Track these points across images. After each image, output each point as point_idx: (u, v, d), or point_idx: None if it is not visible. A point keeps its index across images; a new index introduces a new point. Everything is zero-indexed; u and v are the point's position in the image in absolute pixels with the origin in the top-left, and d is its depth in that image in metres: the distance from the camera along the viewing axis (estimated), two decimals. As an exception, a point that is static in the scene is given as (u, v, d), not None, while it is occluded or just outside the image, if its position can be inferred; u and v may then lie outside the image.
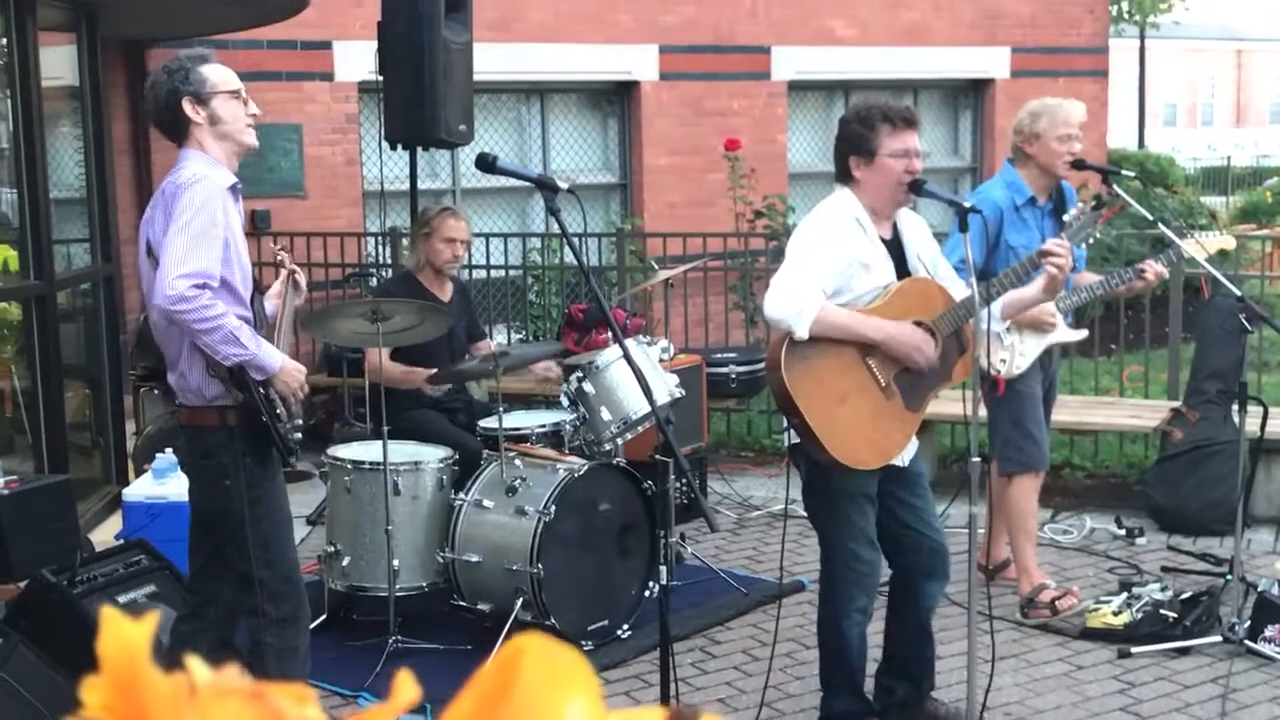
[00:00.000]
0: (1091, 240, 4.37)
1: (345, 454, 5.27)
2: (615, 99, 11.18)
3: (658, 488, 4.43)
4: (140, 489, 6.10)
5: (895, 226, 4.08)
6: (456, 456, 5.31)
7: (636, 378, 3.69)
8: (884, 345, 3.89)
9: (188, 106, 3.64)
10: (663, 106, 11.07)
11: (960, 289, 4.11)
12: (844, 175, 4.00)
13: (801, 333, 3.75)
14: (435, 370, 5.48)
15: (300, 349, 8.80)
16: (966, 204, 4.01)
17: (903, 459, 4.09)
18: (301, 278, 4.10)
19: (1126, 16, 21.15)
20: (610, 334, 5.46)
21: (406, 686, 0.62)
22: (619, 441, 5.48)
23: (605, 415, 5.38)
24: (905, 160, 3.95)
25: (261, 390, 3.62)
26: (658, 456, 3.75)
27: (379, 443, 5.01)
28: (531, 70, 10.47)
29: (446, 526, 5.14)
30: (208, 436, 3.69)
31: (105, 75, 7.40)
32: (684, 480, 5.75)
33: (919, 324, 3.96)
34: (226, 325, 3.50)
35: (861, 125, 3.94)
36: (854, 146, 3.95)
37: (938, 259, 4.19)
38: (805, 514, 4.18)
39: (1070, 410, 7.18)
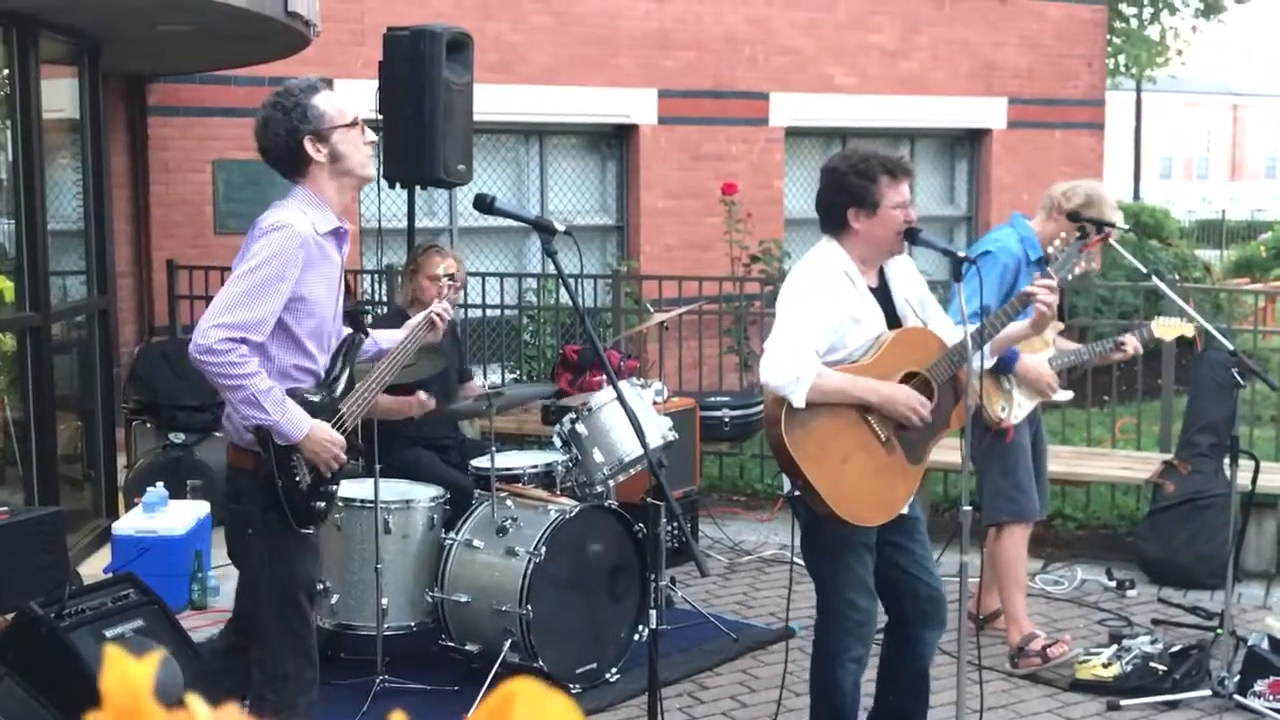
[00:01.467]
0: (1078, 271, 4.37)
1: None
2: (614, 141, 11.25)
3: (649, 531, 4.43)
4: (130, 522, 6.11)
5: (881, 273, 4.09)
6: (448, 496, 5.30)
7: (630, 420, 3.70)
8: (879, 408, 3.88)
9: (309, 146, 3.50)
10: (661, 150, 11.14)
11: (951, 332, 4.12)
12: (837, 226, 3.96)
13: (798, 402, 3.74)
14: (424, 395, 5.43)
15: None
16: (961, 253, 4.03)
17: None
18: (443, 315, 3.99)
19: (1123, 70, 21.30)
20: (604, 376, 5.47)
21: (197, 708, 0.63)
22: (611, 483, 5.47)
23: (598, 457, 5.38)
24: (904, 211, 3.96)
25: (283, 453, 3.47)
26: (649, 499, 3.74)
27: (370, 480, 5.01)
28: (531, 112, 10.53)
29: (436, 566, 5.13)
30: (241, 480, 3.58)
31: (106, 109, 7.44)
32: (675, 524, 5.75)
33: (914, 374, 3.96)
34: (250, 386, 3.35)
35: (862, 178, 3.90)
36: (855, 199, 3.90)
37: (926, 299, 4.17)
38: (802, 561, 4.15)
39: (1062, 461, 7.20)
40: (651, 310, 6.80)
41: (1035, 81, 13.17)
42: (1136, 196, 29.04)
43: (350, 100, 3.68)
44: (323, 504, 3.60)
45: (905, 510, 4.08)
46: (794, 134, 11.98)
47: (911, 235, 4.20)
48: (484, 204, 3.71)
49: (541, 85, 10.48)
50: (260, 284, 3.37)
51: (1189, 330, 5.33)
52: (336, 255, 3.61)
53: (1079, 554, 6.92)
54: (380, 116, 6.95)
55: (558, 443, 5.57)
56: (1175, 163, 48.64)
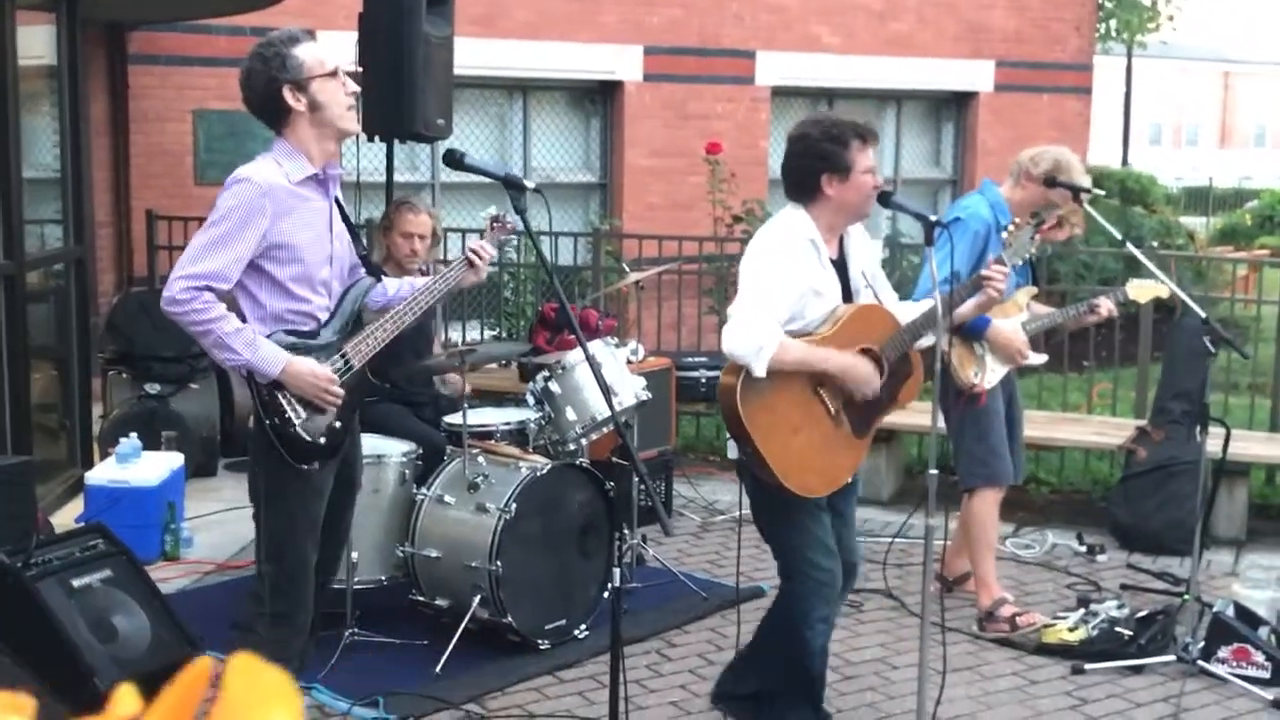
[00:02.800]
0: (1030, 256, 4.36)
1: (308, 445, 5.25)
2: (598, 98, 11.19)
3: (617, 489, 4.43)
4: (103, 473, 6.09)
5: (840, 245, 4.09)
6: (420, 451, 5.30)
7: (597, 381, 3.69)
8: (837, 378, 3.91)
9: (288, 95, 3.56)
10: (645, 107, 11.09)
11: (901, 310, 4.14)
12: (809, 192, 3.95)
13: (759, 371, 3.76)
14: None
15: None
16: (933, 218, 4.03)
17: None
18: (481, 254, 3.94)
19: (1114, 35, 21.22)
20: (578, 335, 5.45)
21: (125, 699, 0.63)
22: (583, 442, 5.47)
23: (570, 415, 5.38)
24: (872, 176, 3.97)
25: (268, 391, 3.55)
26: (615, 459, 3.74)
27: (342, 435, 5.00)
28: (515, 67, 10.46)
29: (407, 521, 5.13)
30: (251, 421, 3.72)
31: (84, 56, 7.37)
32: (642, 483, 5.76)
33: (867, 351, 3.98)
34: (217, 330, 3.47)
35: (834, 143, 3.90)
36: (829, 163, 3.90)
37: (877, 273, 4.20)
38: (757, 528, 4.15)
39: (1037, 426, 7.21)
40: (628, 269, 6.78)
41: (1023, 45, 13.11)
42: (1125, 162, 29.01)
43: (331, 51, 3.70)
44: (324, 439, 3.65)
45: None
46: (780, 94, 11.93)
47: (884, 199, 4.21)
48: (453, 159, 3.70)
49: (525, 40, 10.41)
50: (221, 236, 3.48)
51: (1163, 292, 5.33)
52: (321, 200, 3.67)
53: (1051, 518, 6.94)
54: (360, 69, 6.90)
55: (531, 400, 5.57)
56: (1165, 129, 48.59)
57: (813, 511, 3.99)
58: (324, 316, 3.70)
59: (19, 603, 4.13)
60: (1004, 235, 4.23)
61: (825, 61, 11.96)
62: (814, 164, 3.92)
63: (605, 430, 5.40)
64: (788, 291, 3.85)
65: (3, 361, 6.21)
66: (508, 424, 5.53)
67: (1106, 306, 5.29)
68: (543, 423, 5.46)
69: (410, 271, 5.88)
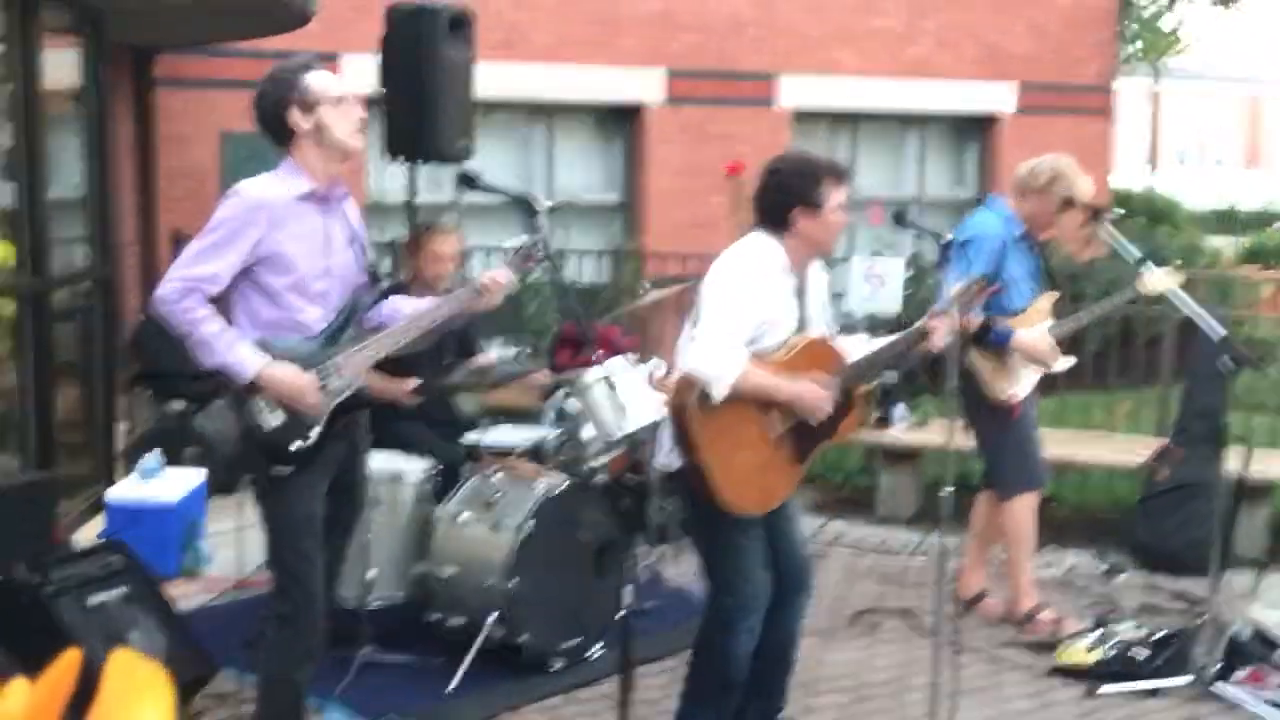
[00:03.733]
0: (973, 311, 4.30)
1: (327, 463, 5.25)
2: (621, 121, 11.20)
3: (632, 507, 4.42)
4: (124, 490, 6.11)
5: (800, 276, 4.12)
6: (438, 468, 5.29)
7: (610, 399, 3.67)
8: (791, 405, 3.96)
9: (296, 115, 3.71)
10: (667, 130, 11.09)
11: (850, 349, 4.18)
12: (779, 224, 3.99)
13: (719, 395, 3.82)
14: (418, 382, 5.43)
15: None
16: (946, 236, 4.03)
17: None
18: (495, 283, 3.93)
19: (1140, 56, 21.15)
20: (600, 352, 5.45)
21: (15, 692, 0.63)
22: (602, 459, 5.45)
23: (588, 434, 5.34)
24: (843, 214, 4.02)
25: (244, 395, 3.65)
26: (629, 476, 3.74)
27: (360, 453, 4.99)
28: (538, 91, 10.49)
29: (424, 538, 5.12)
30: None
31: (111, 80, 7.42)
32: (659, 501, 5.73)
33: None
34: (200, 330, 3.61)
35: (807, 178, 3.96)
36: (800, 198, 3.95)
37: (827, 310, 4.26)
38: (689, 536, 4.19)
39: (1058, 444, 7.16)
40: (649, 287, 6.78)
41: (1044, 67, 13.06)
42: (1150, 185, 28.87)
43: (342, 80, 3.81)
44: (301, 442, 3.71)
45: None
46: (801, 116, 11.91)
47: (899, 218, 4.25)
48: (467, 180, 3.72)
49: (547, 63, 10.43)
50: (213, 244, 3.65)
51: (1175, 282, 5.34)
52: (318, 217, 3.78)
53: (1071, 537, 6.88)
54: (383, 91, 6.92)
55: (550, 418, 5.56)
56: (1190, 151, 48.37)
57: (748, 529, 4.02)
58: (317, 327, 3.79)
59: (35, 619, 4.13)
60: (952, 291, 4.22)
61: (846, 84, 11.95)
62: (786, 197, 3.98)
63: (624, 448, 5.37)
64: (752, 317, 3.92)
65: (29, 378, 6.24)
66: (526, 441, 5.51)
67: (1146, 286, 5.33)
68: (562, 440, 5.44)
69: (437, 292, 5.89)
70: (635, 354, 6.50)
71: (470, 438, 5.50)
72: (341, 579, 5.05)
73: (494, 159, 10.47)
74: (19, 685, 0.64)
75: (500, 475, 5.18)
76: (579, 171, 11.13)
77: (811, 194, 3.94)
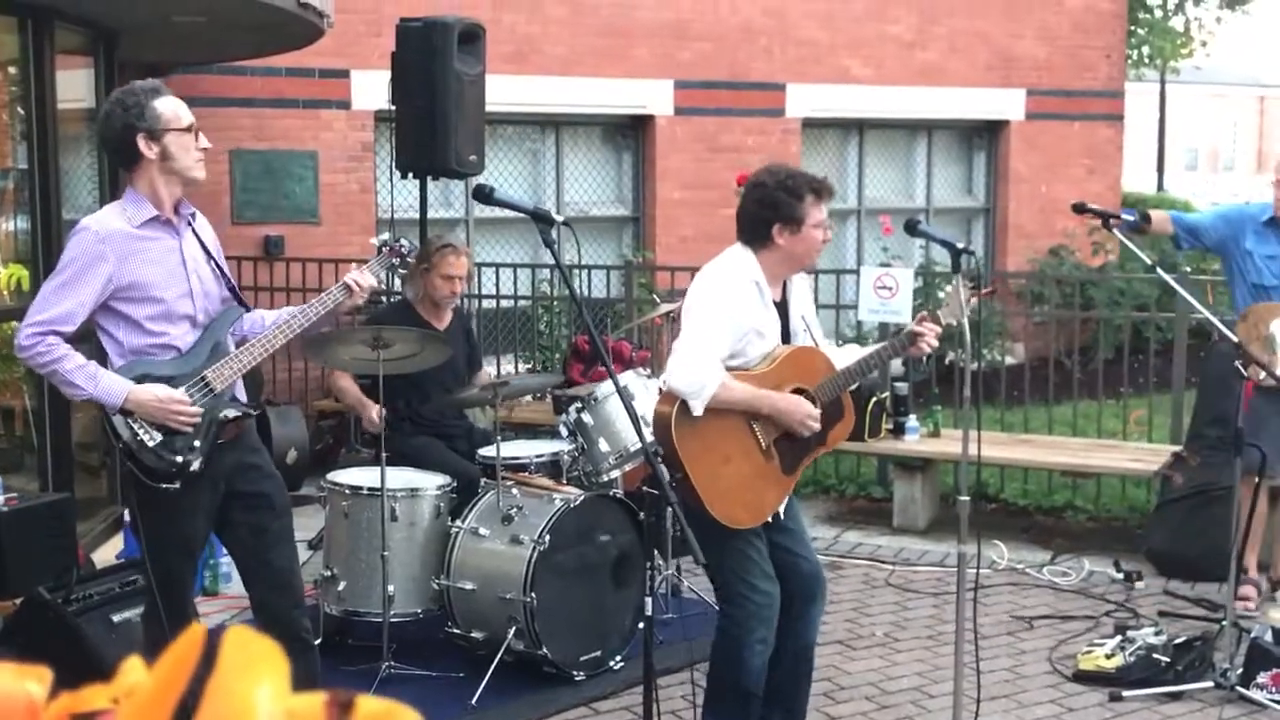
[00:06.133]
0: (964, 318, 4.28)
1: (344, 479, 5.31)
2: (630, 133, 11.26)
3: (649, 519, 4.45)
4: (142, 509, 6.15)
5: (784, 288, 4.16)
6: (455, 484, 5.34)
7: (627, 412, 3.72)
8: (775, 418, 4.00)
9: (141, 142, 3.74)
10: (677, 141, 11.14)
11: (836, 355, 4.21)
12: (758, 238, 4.04)
13: (698, 410, 3.87)
14: (381, 407, 5.44)
15: (309, 372, 8.84)
16: (959, 245, 4.06)
17: (780, 509, 4.17)
18: (362, 285, 4.04)
19: (1147, 61, 21.18)
20: (613, 366, 5.50)
21: (133, 668, 0.67)
22: (617, 472, 5.50)
23: (603, 446, 5.41)
24: (823, 230, 4.07)
25: (119, 418, 3.72)
26: (646, 489, 3.77)
27: (378, 469, 5.05)
28: (547, 103, 10.55)
29: (443, 553, 5.16)
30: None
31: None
32: (674, 512, 5.78)
33: (801, 391, 4.06)
34: (61, 369, 3.68)
35: (788, 194, 3.99)
36: (780, 214, 3.99)
37: (814, 318, 4.29)
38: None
39: (1073, 453, 7.20)
40: (658, 300, 6.82)
41: (1053, 73, 13.11)
42: (1160, 188, 28.89)
43: (186, 108, 3.88)
44: (180, 459, 3.76)
45: (783, 514, 4.18)
46: (811, 125, 11.96)
47: (911, 227, 4.28)
48: (483, 194, 3.75)
49: (557, 76, 10.49)
50: (63, 283, 3.70)
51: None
52: (170, 239, 3.84)
53: (1088, 546, 6.91)
54: (393, 107, 6.99)
55: (564, 432, 5.61)
56: (1201, 155, 48.34)
57: (749, 538, 4.05)
58: (186, 346, 3.85)
59: (60, 636, 4.18)
60: (941, 295, 4.25)
61: (856, 93, 12.00)
62: (767, 213, 4.02)
63: (639, 461, 5.43)
64: (731, 330, 3.96)
65: (44, 400, 6.30)
66: (541, 456, 5.56)
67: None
68: (576, 454, 5.49)
69: (444, 311, 5.95)
70: (647, 367, 6.56)
71: (485, 453, 5.54)
72: (362, 592, 5.12)
73: (503, 172, 10.53)
74: (135, 662, 0.69)
75: (516, 490, 5.22)
76: (588, 184, 11.18)
77: (792, 210, 3.98)
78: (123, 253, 3.72)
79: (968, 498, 4.02)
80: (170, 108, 3.79)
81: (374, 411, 5.57)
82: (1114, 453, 7.21)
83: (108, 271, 3.70)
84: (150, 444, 3.73)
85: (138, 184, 3.80)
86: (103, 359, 3.79)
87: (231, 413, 3.90)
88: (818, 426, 4.04)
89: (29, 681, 0.67)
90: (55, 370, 3.68)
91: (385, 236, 4.30)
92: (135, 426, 3.72)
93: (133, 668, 0.69)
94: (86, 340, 3.82)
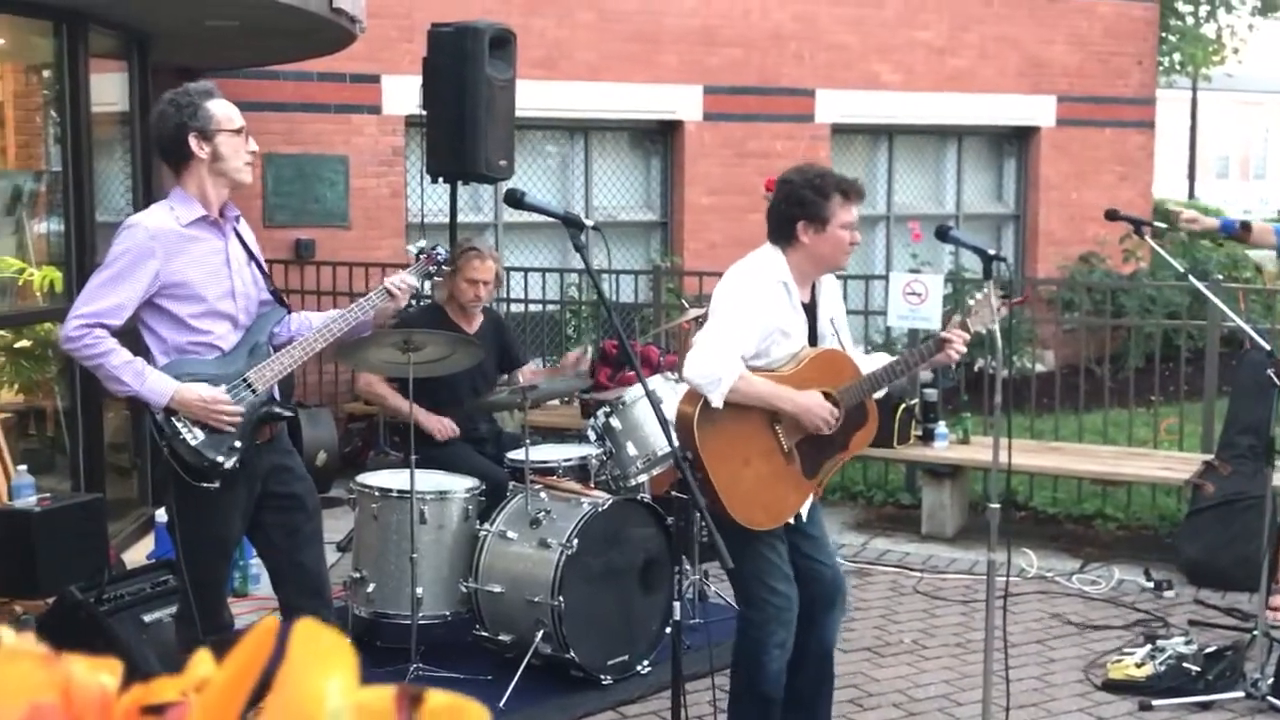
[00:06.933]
0: (994, 325, 4.22)
1: (373, 482, 5.34)
2: (659, 138, 11.26)
3: (678, 524, 4.46)
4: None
5: (812, 289, 4.14)
6: (483, 487, 5.36)
7: (657, 416, 3.73)
8: (795, 416, 3.97)
9: (193, 142, 3.81)
10: (705, 147, 11.14)
11: (862, 360, 4.19)
12: (784, 237, 4.03)
13: (716, 402, 3.86)
14: (455, 428, 5.48)
15: (339, 375, 8.88)
16: (991, 251, 4.05)
17: (803, 514, 4.15)
18: (401, 285, 4.09)
19: (1178, 68, 21.06)
20: (641, 370, 5.51)
21: (202, 661, 0.68)
22: (645, 477, 5.51)
23: (631, 450, 5.42)
24: (850, 232, 4.03)
25: (164, 416, 3.76)
26: (674, 493, 3.77)
27: (407, 471, 5.07)
28: (576, 108, 10.57)
29: (471, 556, 5.18)
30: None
31: (156, 103, 7.54)
32: (703, 518, 5.79)
33: (825, 394, 4.04)
34: (108, 363, 3.71)
35: (815, 192, 3.98)
36: (806, 212, 3.98)
37: (842, 323, 4.27)
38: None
39: (1103, 461, 7.16)
40: (687, 305, 6.83)
41: (1084, 79, 13.05)
42: (1191, 195, 28.72)
43: (238, 111, 3.95)
44: (220, 459, 3.79)
45: (805, 517, 4.16)
46: (840, 131, 11.95)
47: (943, 233, 4.26)
48: (513, 199, 3.76)
49: (586, 81, 10.51)
50: (112, 278, 3.74)
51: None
52: (216, 239, 3.90)
53: (1118, 554, 6.88)
54: (424, 112, 7.02)
55: (592, 436, 5.62)
56: (1232, 162, 48.02)
57: (770, 541, 4.04)
58: (228, 346, 3.90)
59: (92, 636, 4.21)
60: (971, 302, 4.20)
61: (885, 99, 11.98)
62: (792, 211, 4.00)
63: (667, 465, 5.43)
64: (755, 327, 3.94)
65: (76, 402, 6.35)
66: (569, 460, 5.58)
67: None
68: (604, 458, 5.51)
69: (472, 315, 5.97)
70: (675, 372, 6.56)
71: (514, 456, 5.56)
72: (391, 594, 5.14)
73: (532, 177, 10.55)
74: (205, 655, 0.70)
75: (545, 493, 5.23)
76: (617, 189, 11.19)
77: (818, 209, 3.97)
78: (170, 250, 3.77)
79: (998, 505, 4.01)
80: (223, 110, 3.86)
81: (444, 423, 5.68)
82: (1144, 461, 7.17)
83: (155, 268, 3.74)
84: (193, 442, 3.77)
85: (187, 184, 3.86)
86: (146, 355, 3.83)
87: (279, 410, 3.96)
88: (834, 425, 4.01)
89: (102, 674, 0.68)
90: (102, 364, 3.71)
91: (422, 244, 4.34)
92: (179, 425, 3.76)
93: (201, 660, 0.70)
94: (124, 336, 3.85)
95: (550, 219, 3.85)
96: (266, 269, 4.11)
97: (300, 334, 4.04)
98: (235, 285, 3.91)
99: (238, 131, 3.87)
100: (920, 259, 10.82)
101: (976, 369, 9.58)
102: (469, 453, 5.79)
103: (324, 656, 0.65)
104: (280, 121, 9.38)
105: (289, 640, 0.65)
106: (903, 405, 7.21)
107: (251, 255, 4.00)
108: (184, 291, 3.80)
